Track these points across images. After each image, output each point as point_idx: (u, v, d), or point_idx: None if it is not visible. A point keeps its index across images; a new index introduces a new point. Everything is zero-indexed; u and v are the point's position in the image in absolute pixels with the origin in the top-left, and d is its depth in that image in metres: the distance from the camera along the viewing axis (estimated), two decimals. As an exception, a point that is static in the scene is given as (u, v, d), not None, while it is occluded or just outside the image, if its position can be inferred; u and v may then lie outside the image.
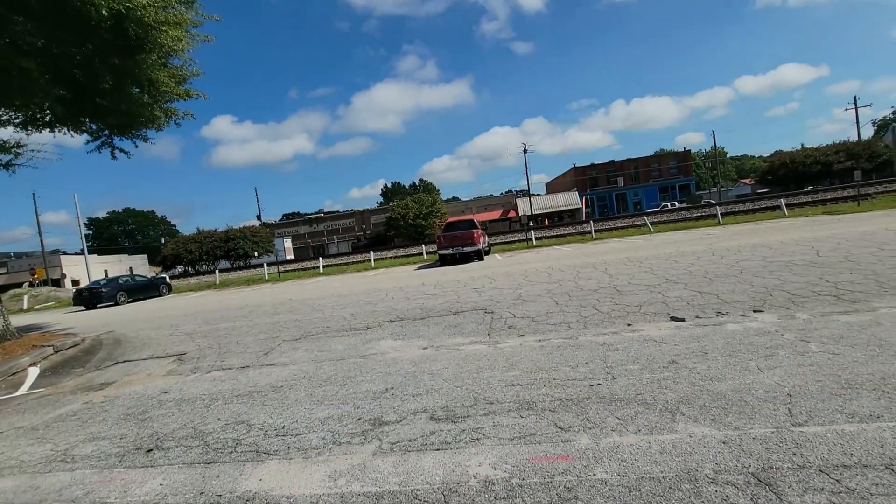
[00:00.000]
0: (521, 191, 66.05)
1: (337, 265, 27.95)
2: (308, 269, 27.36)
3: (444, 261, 18.27)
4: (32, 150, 9.10)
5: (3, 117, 9.96)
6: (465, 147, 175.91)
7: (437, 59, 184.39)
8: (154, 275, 32.71)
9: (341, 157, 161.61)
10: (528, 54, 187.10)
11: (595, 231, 24.73)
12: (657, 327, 5.19)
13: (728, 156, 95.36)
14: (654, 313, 5.82)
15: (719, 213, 23.48)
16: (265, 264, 25.30)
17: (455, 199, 71.60)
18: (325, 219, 56.98)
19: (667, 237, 18.50)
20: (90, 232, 71.74)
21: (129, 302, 19.72)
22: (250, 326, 8.80)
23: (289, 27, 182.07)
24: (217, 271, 26.78)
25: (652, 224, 24.19)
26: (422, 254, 26.03)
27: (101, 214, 73.92)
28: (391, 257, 29.06)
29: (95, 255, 48.62)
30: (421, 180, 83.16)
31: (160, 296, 21.65)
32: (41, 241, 34.45)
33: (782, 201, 23.99)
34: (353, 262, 27.89)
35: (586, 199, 54.80)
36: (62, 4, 7.05)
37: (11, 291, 26.60)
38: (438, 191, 65.01)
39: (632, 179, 58.34)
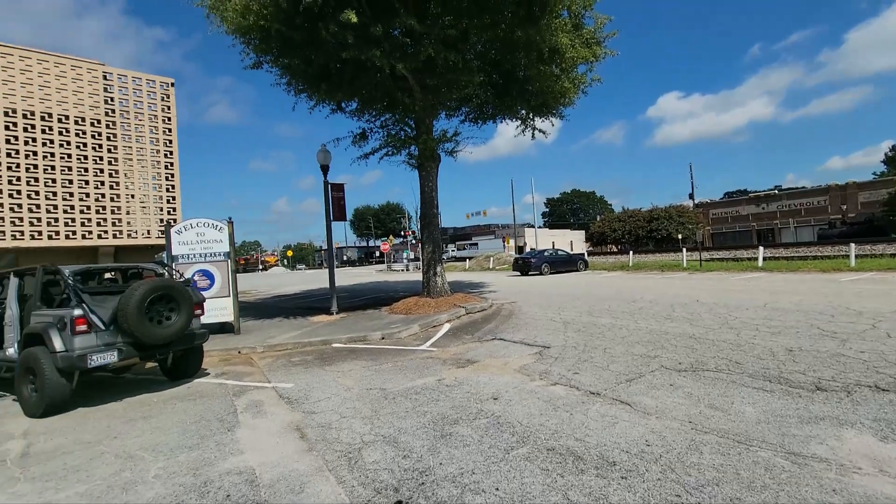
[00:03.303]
0: None
1: (787, 258, 20.85)
2: (742, 259, 21.84)
3: None
4: (467, 138, 10.65)
5: (461, 116, 12.31)
6: None
7: None
8: (579, 251, 35.79)
9: (817, 118, 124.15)
10: None
11: None
12: None
13: None
14: None
15: None
16: (684, 249, 22.04)
17: None
18: (781, 196, 44.59)
19: None
20: (547, 210, 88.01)
21: (550, 273, 21.93)
22: (630, 331, 6.98)
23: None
24: (631, 252, 25.87)
25: None
26: (965, 254, 15.17)
27: (556, 195, 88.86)
28: (890, 254, 18.86)
29: (546, 230, 59.19)
30: (973, 133, 50.77)
31: (577, 271, 22.96)
32: (514, 216, 45.40)
33: None
34: (817, 257, 19.91)
35: None
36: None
37: (486, 253, 36.35)
38: None
39: None
